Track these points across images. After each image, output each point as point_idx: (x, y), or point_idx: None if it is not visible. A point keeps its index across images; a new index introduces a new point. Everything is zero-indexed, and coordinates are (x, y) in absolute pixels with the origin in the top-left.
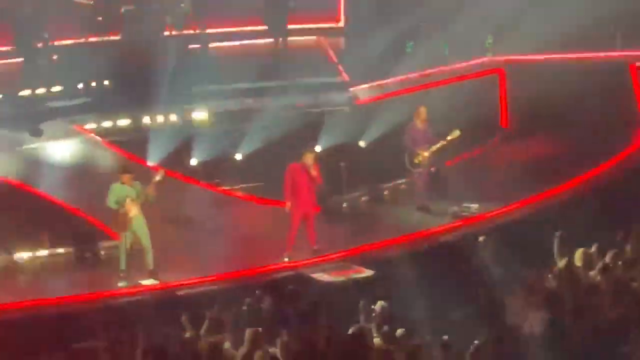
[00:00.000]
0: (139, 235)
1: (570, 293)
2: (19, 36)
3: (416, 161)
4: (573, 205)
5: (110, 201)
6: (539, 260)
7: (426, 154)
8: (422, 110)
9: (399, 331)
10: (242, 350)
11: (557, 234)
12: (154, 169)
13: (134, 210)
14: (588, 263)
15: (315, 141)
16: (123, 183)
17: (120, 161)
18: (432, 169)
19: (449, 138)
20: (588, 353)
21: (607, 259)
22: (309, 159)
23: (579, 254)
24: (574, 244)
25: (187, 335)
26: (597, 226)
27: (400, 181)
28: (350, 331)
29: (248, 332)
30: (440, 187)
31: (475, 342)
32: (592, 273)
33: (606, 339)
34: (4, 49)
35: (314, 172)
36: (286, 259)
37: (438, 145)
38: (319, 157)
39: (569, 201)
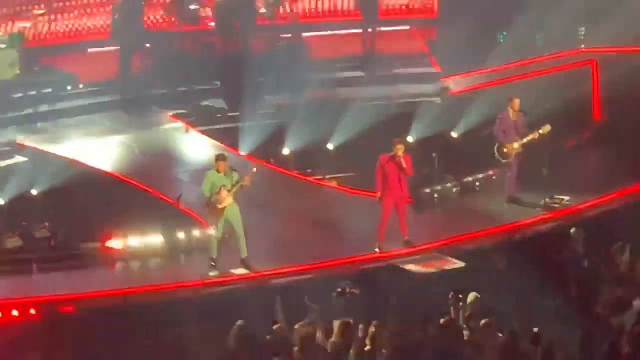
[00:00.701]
0: (233, 223)
1: None
2: (115, 24)
3: (506, 151)
4: None
5: (205, 188)
6: (631, 252)
7: (516, 145)
8: (516, 101)
9: (483, 321)
10: (332, 340)
11: None
12: (251, 160)
13: (228, 200)
14: None
15: (407, 132)
16: (218, 171)
17: (214, 149)
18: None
19: (540, 132)
20: None
21: None
22: (399, 149)
23: None
24: None
25: (279, 325)
26: None
27: (491, 172)
28: (441, 322)
29: (338, 323)
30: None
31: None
32: None
33: None
34: (101, 38)
35: (404, 163)
36: (377, 250)
37: (529, 138)
38: (410, 148)
39: None
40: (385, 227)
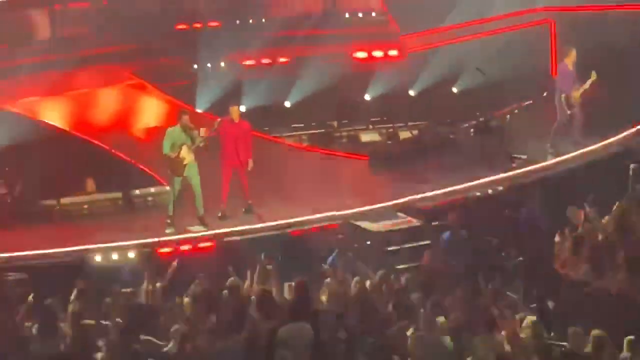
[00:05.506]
0: (191, 181)
1: (621, 244)
2: None
3: (572, 101)
4: (623, 156)
5: (165, 146)
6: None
7: (577, 94)
8: (573, 52)
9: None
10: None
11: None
12: (212, 118)
13: (188, 158)
14: None
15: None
16: (181, 126)
17: (173, 106)
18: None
19: (592, 79)
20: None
21: None
22: (234, 113)
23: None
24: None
25: (232, 281)
26: None
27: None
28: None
29: (295, 283)
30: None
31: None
32: None
33: None
34: None
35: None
36: (219, 214)
37: (586, 87)
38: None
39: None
40: (226, 192)
